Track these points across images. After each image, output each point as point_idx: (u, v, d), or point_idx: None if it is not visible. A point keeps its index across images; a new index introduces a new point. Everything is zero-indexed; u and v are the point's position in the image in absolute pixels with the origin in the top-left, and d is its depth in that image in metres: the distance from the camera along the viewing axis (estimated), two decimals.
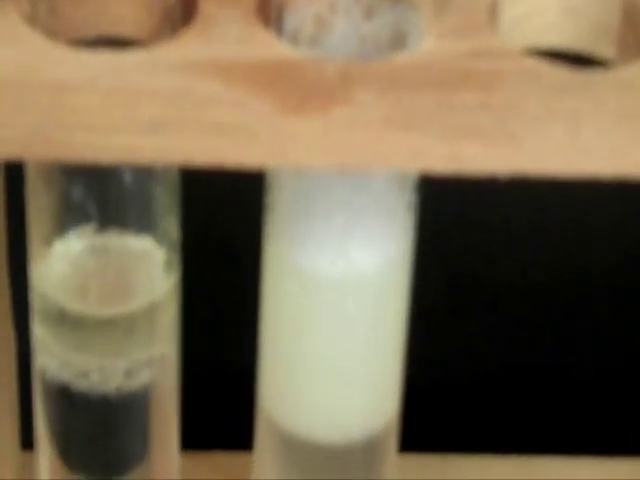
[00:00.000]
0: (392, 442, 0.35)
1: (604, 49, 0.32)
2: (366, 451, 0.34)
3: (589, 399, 0.49)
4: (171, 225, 0.32)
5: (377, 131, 0.28)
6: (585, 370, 0.49)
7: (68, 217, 0.32)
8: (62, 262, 0.32)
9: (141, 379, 0.33)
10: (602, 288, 0.47)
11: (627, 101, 0.29)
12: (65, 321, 0.32)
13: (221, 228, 0.37)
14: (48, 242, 0.32)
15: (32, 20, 0.29)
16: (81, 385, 0.32)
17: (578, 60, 0.31)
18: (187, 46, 0.29)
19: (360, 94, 0.28)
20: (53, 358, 0.33)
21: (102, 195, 0.31)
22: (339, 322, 0.33)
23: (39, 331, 0.33)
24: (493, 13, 0.30)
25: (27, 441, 0.37)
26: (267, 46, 0.29)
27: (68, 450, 0.34)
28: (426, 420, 0.39)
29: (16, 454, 0.40)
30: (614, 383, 0.49)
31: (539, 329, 0.48)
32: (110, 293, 0.33)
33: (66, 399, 0.33)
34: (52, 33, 0.29)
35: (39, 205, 0.32)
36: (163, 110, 0.28)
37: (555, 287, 0.47)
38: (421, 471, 0.42)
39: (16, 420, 0.40)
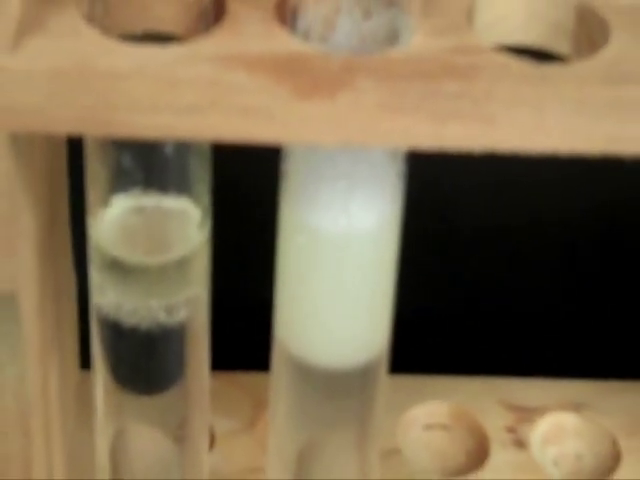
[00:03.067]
0: (384, 365, 0.35)
1: (562, 46, 0.31)
2: (363, 373, 0.34)
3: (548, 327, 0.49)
4: (203, 189, 0.32)
5: (374, 113, 0.28)
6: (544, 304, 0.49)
7: (119, 182, 0.31)
8: (114, 219, 0.32)
9: (178, 315, 0.33)
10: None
11: (581, 89, 0.28)
12: (116, 268, 0.32)
13: (245, 190, 0.37)
14: (103, 203, 0.32)
15: (90, 18, 0.29)
16: (130, 320, 0.33)
17: (540, 55, 0.31)
18: (218, 42, 0.29)
19: (360, 82, 0.28)
20: (106, 298, 0.33)
21: (147, 164, 0.31)
22: (341, 268, 0.32)
23: (95, 276, 0.33)
24: (470, 16, 0.30)
25: (85, 362, 0.36)
26: (283, 42, 0.29)
27: (118, 371, 0.34)
28: (409, 347, 0.39)
29: (76, 373, 0.41)
30: (566, 314, 0.49)
31: (504, 268, 0.48)
32: (153, 245, 0.33)
33: (117, 331, 0.33)
34: (106, 29, 0.29)
35: (95, 172, 0.32)
36: (197, 95, 0.28)
37: (513, 229, 0.47)
38: (406, 389, 0.42)
39: (76, 345, 0.40)
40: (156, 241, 0.32)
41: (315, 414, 0.34)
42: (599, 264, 0.48)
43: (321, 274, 0.32)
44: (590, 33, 0.30)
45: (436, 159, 0.30)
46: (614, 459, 0.41)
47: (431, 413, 0.42)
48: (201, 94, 0.28)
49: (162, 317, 0.32)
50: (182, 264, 0.32)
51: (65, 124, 0.28)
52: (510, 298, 0.49)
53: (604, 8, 0.30)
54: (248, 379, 0.42)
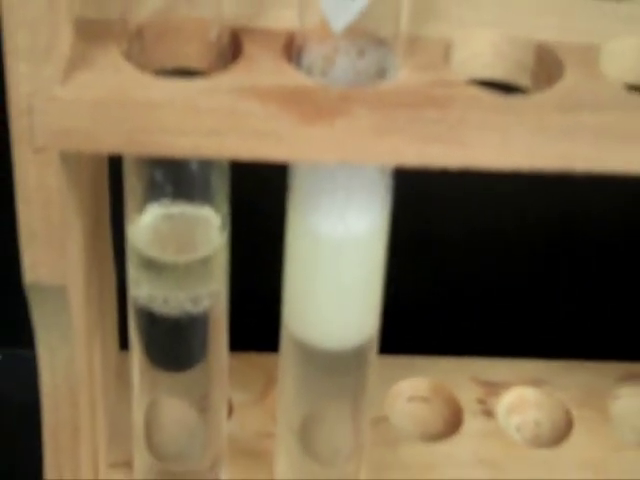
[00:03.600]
0: (374, 347, 0.35)
1: (523, 80, 0.31)
2: (356, 354, 0.34)
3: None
4: (223, 200, 0.32)
5: (367, 136, 0.28)
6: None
7: (152, 193, 0.31)
8: (148, 225, 0.32)
9: (202, 305, 0.33)
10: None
11: (539, 116, 0.28)
12: (150, 266, 0.32)
13: (258, 200, 0.37)
14: (138, 211, 0.32)
15: (128, 56, 0.29)
16: (161, 310, 0.32)
17: (505, 88, 0.31)
18: (235, 76, 0.29)
19: (355, 110, 0.28)
20: (142, 291, 0.33)
21: (175, 178, 0.31)
22: (338, 266, 0.32)
23: (132, 272, 0.33)
24: (446, 55, 0.30)
25: (123, 344, 0.37)
26: (290, 76, 0.29)
27: (151, 352, 0.34)
28: (396, 331, 0.38)
29: (116, 353, 0.41)
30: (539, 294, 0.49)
31: (472, 267, 0.48)
32: (181, 246, 0.32)
33: (150, 319, 0.33)
34: (142, 65, 0.29)
35: (132, 185, 0.32)
36: (218, 121, 0.28)
37: (479, 232, 0.47)
38: (393, 367, 0.42)
39: (116, 330, 0.40)
40: (183, 243, 0.32)
41: (316, 388, 0.34)
42: (553, 261, 0.48)
43: (321, 271, 0.32)
44: (547, 69, 0.30)
45: (417, 175, 0.30)
46: (567, 426, 0.41)
47: (414, 387, 0.42)
48: (221, 120, 0.28)
49: (188, 307, 0.32)
50: (205, 262, 0.32)
51: (107, 145, 0.28)
52: (478, 292, 0.49)
53: (559, 48, 0.30)
54: (260, 358, 0.42)
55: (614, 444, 0.41)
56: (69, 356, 0.32)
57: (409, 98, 0.28)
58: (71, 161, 0.29)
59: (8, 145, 0.28)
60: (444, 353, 0.43)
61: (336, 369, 0.34)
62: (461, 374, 0.43)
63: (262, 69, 0.29)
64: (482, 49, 0.31)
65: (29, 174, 0.28)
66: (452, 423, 0.41)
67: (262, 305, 0.36)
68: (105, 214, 0.37)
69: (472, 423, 0.41)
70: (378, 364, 0.35)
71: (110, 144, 0.28)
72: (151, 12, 0.29)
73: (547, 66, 0.30)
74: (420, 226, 0.44)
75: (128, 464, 0.37)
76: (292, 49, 0.29)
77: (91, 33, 0.29)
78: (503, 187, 0.42)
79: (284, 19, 0.30)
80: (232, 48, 0.30)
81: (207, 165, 0.31)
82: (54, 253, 0.29)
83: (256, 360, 0.42)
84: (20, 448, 0.42)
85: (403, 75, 0.29)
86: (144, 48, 0.29)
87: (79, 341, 0.32)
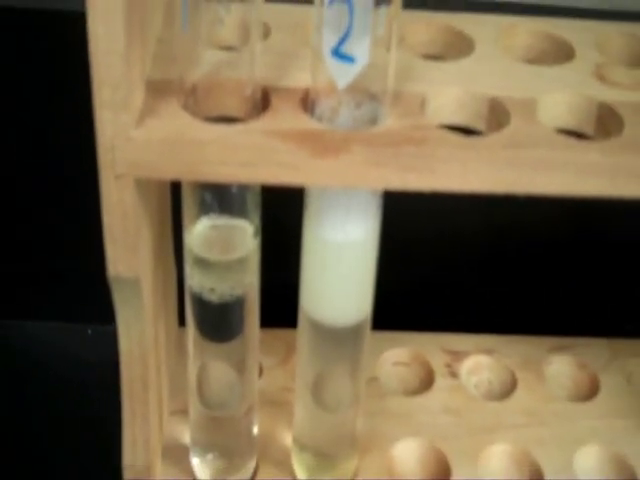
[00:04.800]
0: (368, 324, 0.34)
1: (480, 125, 0.31)
2: (355, 329, 0.34)
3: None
4: (255, 214, 0.32)
5: (363, 167, 0.28)
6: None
7: (202, 209, 0.31)
8: (199, 232, 0.32)
9: (239, 293, 0.33)
10: None
11: (491, 152, 0.28)
12: (201, 263, 0.32)
13: (282, 215, 0.36)
14: (192, 222, 0.32)
15: (184, 107, 0.29)
16: (209, 296, 0.32)
17: (466, 131, 0.30)
18: (264, 122, 0.29)
19: (354, 148, 0.28)
20: (195, 282, 0.32)
21: (220, 198, 0.31)
22: (341, 263, 0.32)
23: (187, 268, 0.33)
24: (422, 106, 0.30)
25: (182, 321, 0.36)
26: (305, 122, 0.29)
27: (202, 328, 0.34)
28: (385, 312, 0.38)
29: (175, 328, 0.40)
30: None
31: (445, 262, 0.48)
32: (224, 249, 0.32)
33: (201, 303, 0.33)
34: (195, 114, 0.29)
35: (188, 202, 0.32)
36: (251, 155, 0.28)
37: (445, 235, 0.47)
38: (382, 340, 0.42)
39: (176, 310, 0.40)
40: (225, 246, 0.32)
41: (325, 355, 0.34)
42: (499, 259, 0.48)
43: (328, 267, 0.32)
44: (497, 117, 0.30)
45: (400, 195, 0.30)
46: (512, 384, 0.41)
47: (397, 355, 0.42)
48: (253, 154, 0.28)
49: (229, 294, 0.32)
50: (241, 261, 0.32)
51: (169, 173, 0.28)
52: (445, 282, 0.48)
53: (506, 101, 0.30)
54: (283, 333, 0.42)
55: (547, 397, 0.40)
56: (141, 330, 0.32)
57: (394, 138, 0.28)
58: (142, 184, 0.29)
59: (96, 172, 0.28)
60: (420, 329, 0.43)
61: (340, 341, 0.34)
62: (433, 345, 0.42)
63: (284, 117, 0.29)
64: (448, 102, 0.31)
65: (111, 193, 0.28)
66: (426, 382, 0.41)
67: (284, 292, 0.36)
68: (168, 223, 0.37)
69: (441, 382, 0.41)
70: (371, 337, 0.35)
71: (171, 173, 0.28)
72: (202, 74, 0.29)
73: (497, 115, 0.30)
74: (402, 232, 0.43)
75: (184, 412, 0.37)
76: (307, 102, 0.29)
77: (157, 89, 0.29)
78: (462, 204, 0.41)
79: (301, 79, 0.30)
80: (262, 101, 0.30)
81: (243, 188, 0.31)
82: (129, 253, 0.29)
83: (280, 334, 0.42)
84: (104, 399, 0.41)
85: (389, 121, 0.29)
86: (196, 101, 0.29)
87: (148, 319, 0.32)
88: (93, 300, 0.47)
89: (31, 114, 0.44)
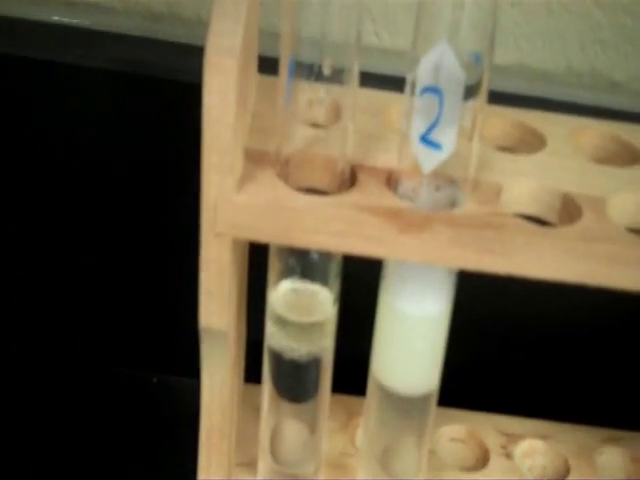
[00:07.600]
0: (435, 396, 0.35)
1: (552, 217, 0.32)
2: (423, 400, 0.34)
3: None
4: (336, 282, 0.32)
5: (444, 246, 0.29)
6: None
7: (286, 272, 0.32)
8: (281, 294, 0.32)
9: (316, 354, 0.33)
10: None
11: (564, 242, 0.29)
12: (282, 323, 0.32)
13: (360, 285, 0.36)
14: (276, 283, 0.32)
15: (280, 176, 0.30)
16: (288, 355, 0.33)
17: (540, 221, 0.31)
18: (353, 197, 0.29)
19: (436, 227, 0.29)
20: (275, 340, 0.33)
21: (303, 263, 0.32)
22: (414, 335, 0.33)
23: (269, 326, 0.33)
24: (498, 194, 0.31)
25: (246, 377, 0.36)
26: (391, 200, 0.30)
27: (278, 386, 0.34)
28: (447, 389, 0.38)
29: (241, 385, 0.40)
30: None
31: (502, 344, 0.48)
32: (304, 312, 0.33)
33: (280, 361, 0.33)
34: (289, 183, 0.30)
35: (274, 264, 0.32)
36: (341, 226, 0.29)
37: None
38: (441, 415, 0.40)
39: (243, 368, 0.39)
40: (305, 310, 0.33)
41: (393, 423, 0.34)
42: (556, 348, 0.48)
43: (402, 338, 0.33)
44: (569, 211, 0.31)
45: (475, 276, 0.30)
46: (565, 471, 0.41)
47: (455, 432, 0.42)
48: (344, 226, 0.29)
49: (306, 355, 0.33)
50: (320, 325, 0.33)
51: (265, 236, 0.29)
52: (505, 365, 0.48)
53: (578, 197, 0.31)
54: (343, 398, 0.41)
55: None
56: (223, 380, 0.32)
57: (474, 222, 0.29)
58: (237, 245, 0.30)
59: (198, 230, 0.29)
60: (474, 407, 0.43)
61: (408, 410, 0.34)
62: (489, 425, 0.42)
63: (371, 193, 0.30)
64: (523, 193, 0.31)
65: (210, 251, 0.29)
66: (481, 460, 0.41)
67: (355, 358, 0.36)
68: (245, 282, 0.36)
69: (496, 462, 0.41)
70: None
71: (266, 236, 0.29)
72: (296, 148, 0.30)
73: (569, 209, 0.31)
74: (473, 312, 0.43)
75: (249, 464, 0.37)
76: (391, 181, 0.30)
77: (254, 158, 0.30)
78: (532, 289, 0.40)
79: (387, 160, 0.31)
80: (350, 177, 0.31)
81: (327, 256, 0.32)
82: (223, 307, 0.30)
83: (340, 399, 0.41)
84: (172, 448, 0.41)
85: (468, 206, 0.30)
86: (290, 172, 0.30)
87: (230, 370, 0.33)
88: (162, 350, 0.48)
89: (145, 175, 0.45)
